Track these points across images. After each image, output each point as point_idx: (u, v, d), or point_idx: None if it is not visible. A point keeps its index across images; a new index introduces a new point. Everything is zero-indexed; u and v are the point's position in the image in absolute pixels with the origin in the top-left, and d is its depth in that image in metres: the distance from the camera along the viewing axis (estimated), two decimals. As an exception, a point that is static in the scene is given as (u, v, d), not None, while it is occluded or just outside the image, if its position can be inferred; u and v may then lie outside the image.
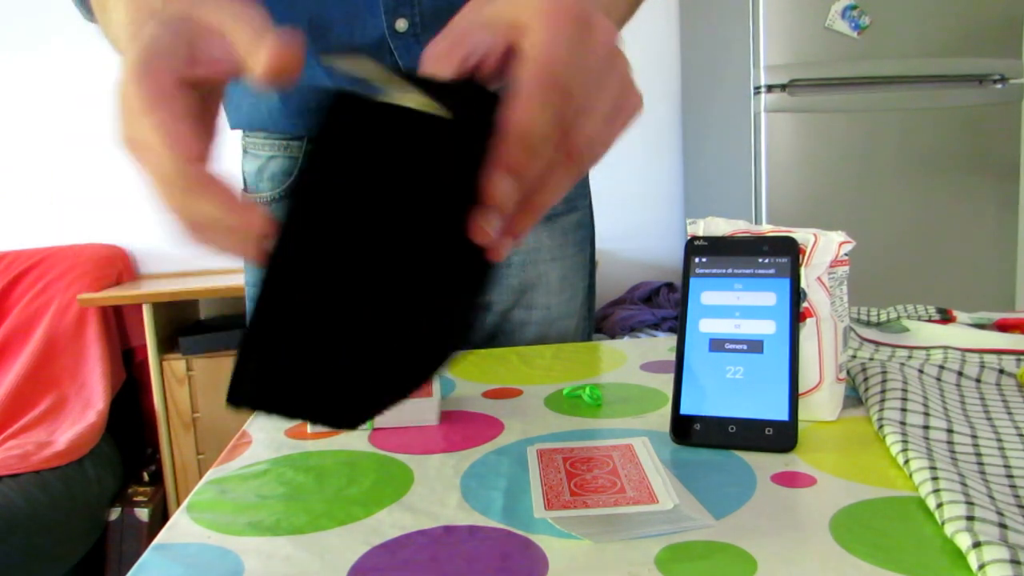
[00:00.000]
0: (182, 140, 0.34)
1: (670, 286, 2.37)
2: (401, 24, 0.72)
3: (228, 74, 0.37)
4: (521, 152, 0.33)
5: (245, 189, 0.83)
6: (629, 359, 0.72)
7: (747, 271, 0.52)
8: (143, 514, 1.91)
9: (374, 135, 0.32)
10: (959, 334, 0.69)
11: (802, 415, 0.52)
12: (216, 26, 0.36)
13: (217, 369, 2.02)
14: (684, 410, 0.50)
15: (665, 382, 0.63)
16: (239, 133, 0.84)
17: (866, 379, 0.55)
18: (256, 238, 0.34)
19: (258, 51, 0.34)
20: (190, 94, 0.36)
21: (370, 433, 0.55)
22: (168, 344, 2.07)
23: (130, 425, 2.19)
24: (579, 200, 0.90)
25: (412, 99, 0.33)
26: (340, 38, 0.73)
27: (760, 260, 0.52)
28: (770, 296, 0.51)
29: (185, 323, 2.20)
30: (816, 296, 0.51)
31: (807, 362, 0.51)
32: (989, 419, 0.49)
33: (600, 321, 2.23)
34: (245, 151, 0.84)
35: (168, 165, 0.34)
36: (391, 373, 0.35)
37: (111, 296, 2.04)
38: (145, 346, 2.01)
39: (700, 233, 0.55)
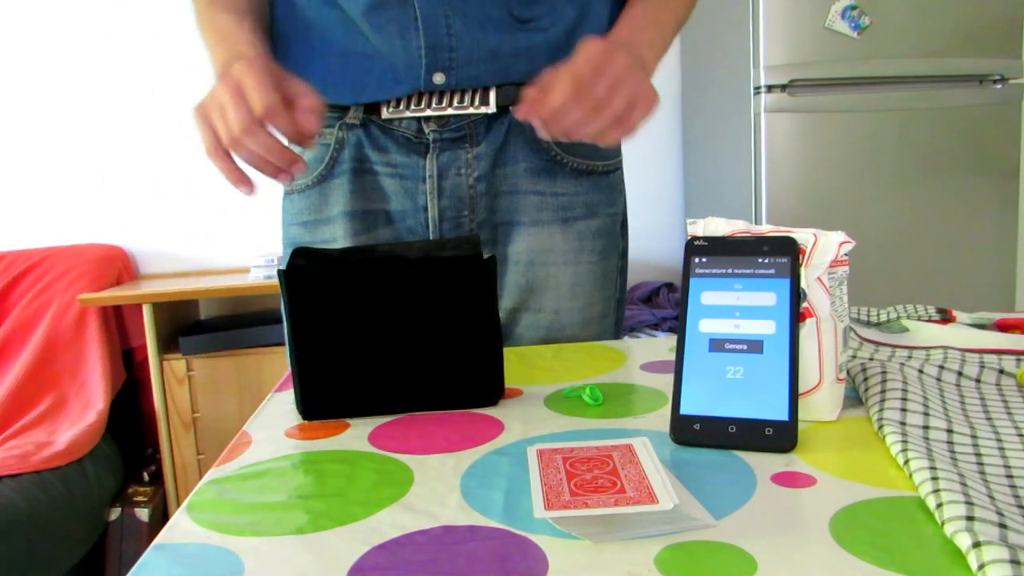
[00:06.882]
0: (266, 94, 0.65)
1: (670, 286, 2.37)
2: (439, 77, 0.81)
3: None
4: (548, 96, 0.66)
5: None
6: (629, 359, 0.72)
7: (747, 271, 0.52)
8: (143, 514, 1.91)
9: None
10: (959, 334, 0.69)
11: (802, 415, 0.52)
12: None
13: (217, 369, 2.02)
14: (684, 410, 0.50)
15: (665, 382, 0.64)
16: None
17: (866, 379, 0.55)
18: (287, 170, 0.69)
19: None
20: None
21: (370, 433, 0.55)
22: (168, 344, 2.06)
23: (130, 425, 2.19)
24: (601, 207, 0.88)
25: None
26: (380, 94, 0.83)
27: (760, 260, 0.52)
28: (770, 296, 0.51)
29: (185, 323, 2.20)
30: (816, 296, 0.51)
31: (807, 362, 0.51)
32: (989, 419, 0.49)
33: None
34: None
35: (244, 116, 0.65)
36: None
37: (111, 296, 2.04)
38: (145, 346, 2.01)
39: (700, 233, 0.55)
